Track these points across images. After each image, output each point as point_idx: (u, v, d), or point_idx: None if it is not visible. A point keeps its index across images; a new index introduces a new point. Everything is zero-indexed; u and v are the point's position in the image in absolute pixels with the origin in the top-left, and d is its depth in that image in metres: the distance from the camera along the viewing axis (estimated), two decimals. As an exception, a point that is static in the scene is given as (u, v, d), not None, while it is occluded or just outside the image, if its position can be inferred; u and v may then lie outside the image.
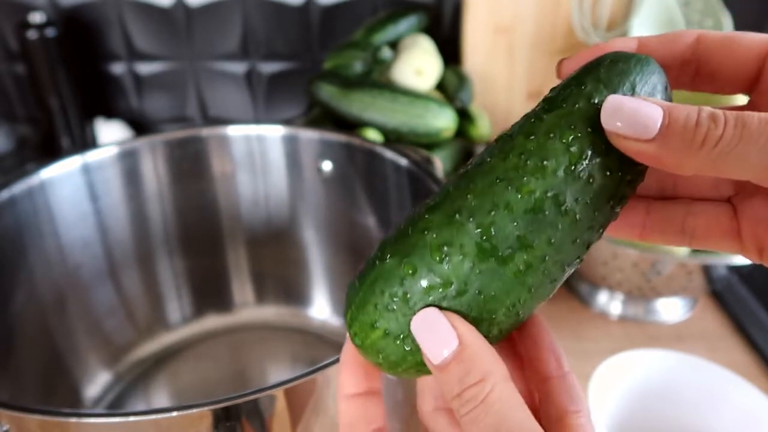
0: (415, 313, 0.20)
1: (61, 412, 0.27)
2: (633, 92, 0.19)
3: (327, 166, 0.55)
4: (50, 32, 0.80)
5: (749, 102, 0.20)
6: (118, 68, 0.88)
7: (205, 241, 0.59)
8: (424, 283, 0.19)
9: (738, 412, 0.42)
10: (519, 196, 0.19)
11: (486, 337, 0.20)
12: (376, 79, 0.70)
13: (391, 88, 0.65)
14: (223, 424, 0.28)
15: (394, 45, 0.74)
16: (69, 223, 0.50)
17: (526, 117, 0.21)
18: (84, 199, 0.51)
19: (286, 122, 0.75)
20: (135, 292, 0.56)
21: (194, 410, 0.27)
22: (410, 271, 0.20)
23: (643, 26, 0.73)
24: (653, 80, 0.19)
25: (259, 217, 0.59)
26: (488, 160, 0.20)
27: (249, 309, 0.61)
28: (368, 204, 0.55)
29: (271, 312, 0.61)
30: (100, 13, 0.85)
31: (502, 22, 0.77)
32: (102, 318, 0.54)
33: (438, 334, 0.19)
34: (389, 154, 0.50)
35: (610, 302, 0.62)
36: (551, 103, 0.20)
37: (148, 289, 0.57)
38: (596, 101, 0.19)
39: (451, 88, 0.70)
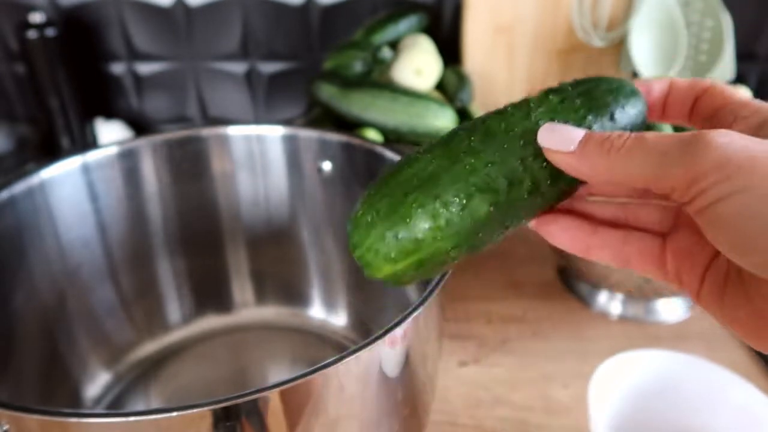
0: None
1: (61, 412, 0.27)
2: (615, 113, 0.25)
3: (327, 166, 0.55)
4: (50, 32, 0.80)
5: None
6: (118, 68, 0.88)
7: (205, 241, 0.59)
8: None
9: (738, 412, 0.42)
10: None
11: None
12: (376, 79, 0.70)
13: (391, 88, 0.65)
14: (223, 424, 0.28)
15: (394, 45, 0.74)
16: (69, 223, 0.50)
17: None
18: (84, 199, 0.51)
19: (286, 122, 0.75)
20: (135, 292, 0.56)
21: (194, 410, 0.27)
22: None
23: (643, 26, 0.73)
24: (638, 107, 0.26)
25: (259, 217, 0.59)
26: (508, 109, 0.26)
27: (249, 309, 0.61)
28: (368, 204, 0.55)
29: (271, 312, 0.61)
30: (100, 13, 0.85)
31: (502, 22, 0.77)
32: (102, 318, 0.54)
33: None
34: (389, 154, 0.50)
35: (610, 302, 0.62)
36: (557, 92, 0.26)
37: (148, 289, 0.57)
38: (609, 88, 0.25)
39: (451, 88, 0.70)
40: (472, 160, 0.24)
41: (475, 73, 0.78)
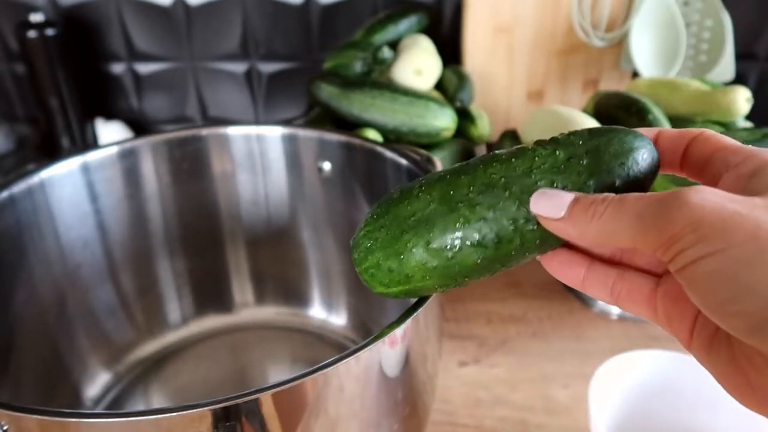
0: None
1: (61, 412, 0.27)
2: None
3: (327, 166, 0.55)
4: (50, 32, 0.80)
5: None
6: (118, 68, 0.88)
7: (205, 241, 0.59)
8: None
9: (737, 412, 0.42)
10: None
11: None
12: (376, 79, 0.70)
13: (391, 88, 0.65)
14: (223, 424, 0.28)
15: (394, 45, 0.74)
16: (69, 223, 0.50)
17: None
18: (84, 199, 0.51)
19: (286, 122, 0.75)
20: (135, 292, 0.56)
21: (194, 410, 0.27)
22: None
23: (643, 26, 0.73)
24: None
25: (259, 217, 0.59)
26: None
27: (249, 309, 0.61)
28: (368, 204, 0.55)
29: (271, 312, 0.61)
30: (100, 13, 0.85)
31: (502, 22, 0.78)
32: (102, 318, 0.54)
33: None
34: (389, 154, 0.50)
35: (610, 302, 0.62)
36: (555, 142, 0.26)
37: (148, 289, 0.57)
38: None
39: (451, 88, 0.70)
40: (467, 213, 0.25)
41: (475, 73, 0.78)
